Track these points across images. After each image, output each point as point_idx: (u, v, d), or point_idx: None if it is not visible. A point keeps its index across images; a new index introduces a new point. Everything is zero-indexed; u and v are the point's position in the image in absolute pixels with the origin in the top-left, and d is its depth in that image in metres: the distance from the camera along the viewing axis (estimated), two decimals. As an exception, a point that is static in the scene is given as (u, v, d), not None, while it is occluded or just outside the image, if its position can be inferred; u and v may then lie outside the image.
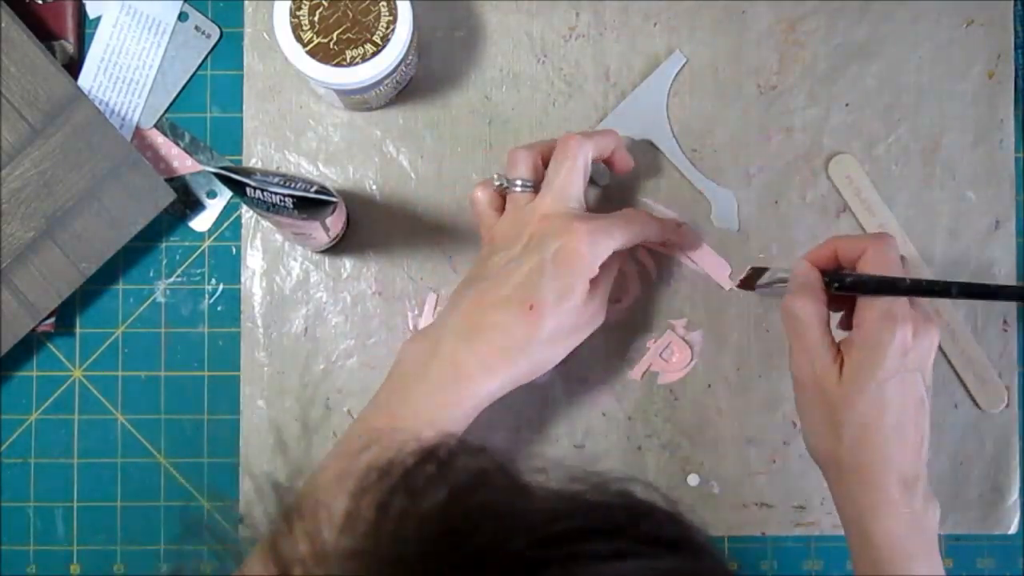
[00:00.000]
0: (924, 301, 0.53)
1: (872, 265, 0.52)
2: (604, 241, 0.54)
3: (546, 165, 0.56)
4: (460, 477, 0.31)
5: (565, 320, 0.53)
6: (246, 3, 0.62)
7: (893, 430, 0.51)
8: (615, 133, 0.58)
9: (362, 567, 0.28)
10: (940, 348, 0.63)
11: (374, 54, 0.55)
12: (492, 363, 0.52)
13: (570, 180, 0.55)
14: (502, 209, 0.58)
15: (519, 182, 0.56)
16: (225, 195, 0.63)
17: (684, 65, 0.63)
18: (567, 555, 0.28)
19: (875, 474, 0.51)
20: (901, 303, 0.51)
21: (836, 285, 0.53)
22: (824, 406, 0.52)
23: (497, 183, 0.57)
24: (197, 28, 0.63)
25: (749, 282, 0.61)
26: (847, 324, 0.54)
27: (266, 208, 0.51)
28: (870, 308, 0.51)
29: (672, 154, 0.63)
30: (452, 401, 0.52)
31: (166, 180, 0.61)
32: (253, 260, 0.62)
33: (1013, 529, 0.63)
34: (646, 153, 0.63)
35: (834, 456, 0.52)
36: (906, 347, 0.51)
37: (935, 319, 0.52)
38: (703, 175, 0.62)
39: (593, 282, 0.54)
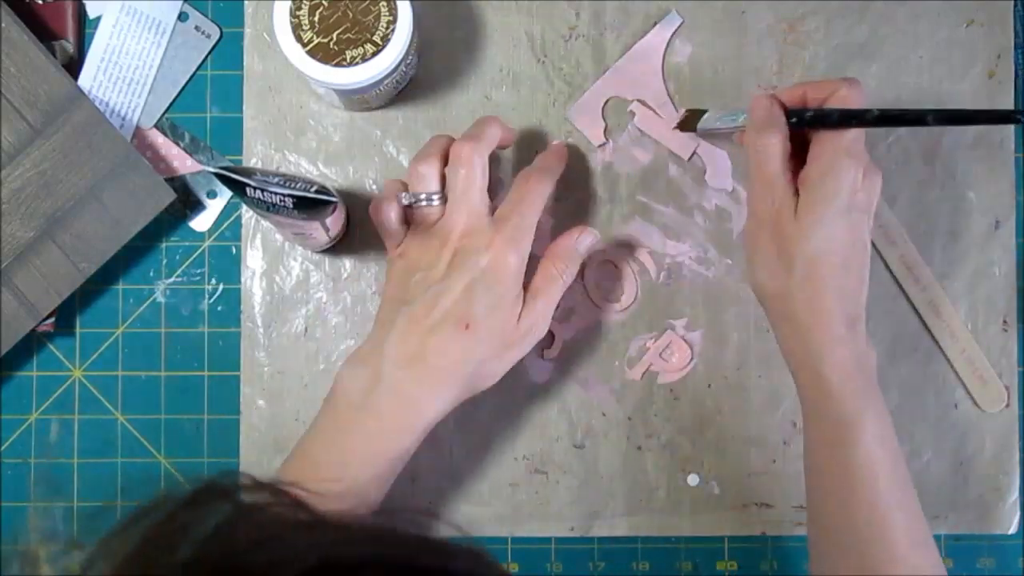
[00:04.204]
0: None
1: (842, 103, 0.53)
2: (525, 237, 0.55)
3: (446, 164, 0.56)
4: (215, 522, 0.29)
5: (500, 333, 0.54)
6: (246, 3, 0.62)
7: (841, 266, 0.52)
8: (496, 120, 0.58)
9: None
10: (940, 348, 0.63)
11: (374, 54, 0.55)
12: (436, 387, 0.53)
13: (473, 188, 0.55)
14: (407, 221, 0.58)
15: (426, 196, 0.56)
16: (225, 195, 0.63)
17: (680, 25, 0.62)
18: None
19: (824, 308, 0.53)
20: (859, 142, 0.53)
21: (795, 120, 0.54)
22: (778, 240, 0.53)
23: (407, 201, 0.57)
24: (197, 28, 0.63)
25: (688, 124, 0.61)
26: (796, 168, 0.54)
27: (266, 208, 0.51)
28: (827, 143, 0.53)
29: (667, 115, 0.62)
30: (401, 427, 0.53)
31: (166, 180, 0.61)
32: (253, 260, 0.62)
33: (1013, 529, 0.63)
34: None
35: (784, 291, 0.54)
36: (857, 186, 0.52)
37: (879, 169, 0.54)
38: (698, 135, 0.62)
39: (531, 293, 0.55)
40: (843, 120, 0.52)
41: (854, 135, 0.52)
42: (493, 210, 0.56)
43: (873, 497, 0.52)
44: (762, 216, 0.54)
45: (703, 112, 0.60)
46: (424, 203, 0.56)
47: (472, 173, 0.55)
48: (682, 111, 0.62)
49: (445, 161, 0.56)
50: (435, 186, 0.56)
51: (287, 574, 0.26)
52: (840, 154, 0.52)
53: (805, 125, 0.53)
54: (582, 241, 0.58)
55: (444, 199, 0.56)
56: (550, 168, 0.58)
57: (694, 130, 0.61)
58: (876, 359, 0.54)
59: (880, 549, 0.52)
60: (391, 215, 0.57)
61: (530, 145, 0.63)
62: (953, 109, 0.53)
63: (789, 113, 0.54)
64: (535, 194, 0.56)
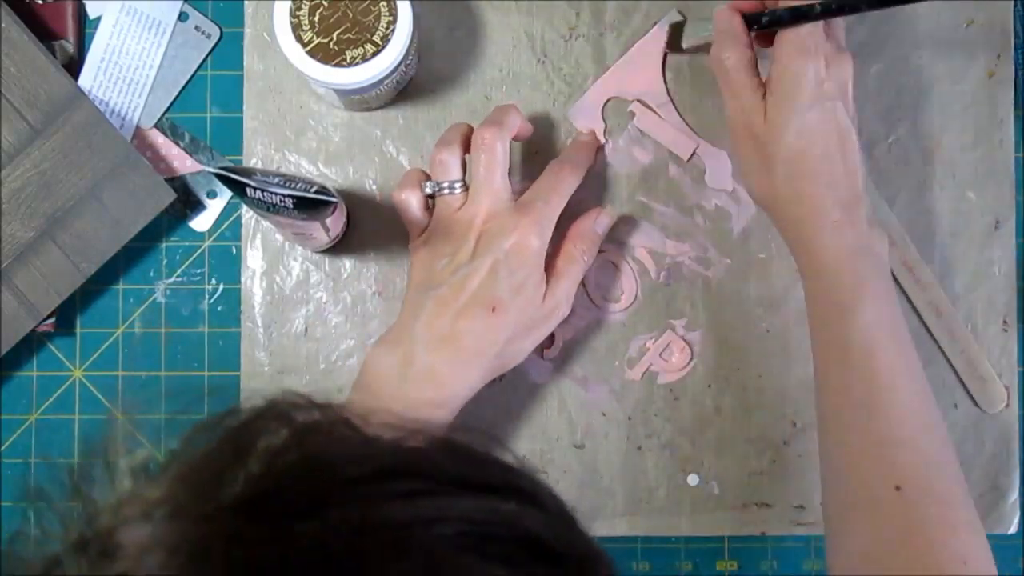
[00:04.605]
0: (839, 35, 0.55)
1: (792, 1, 0.53)
2: (549, 223, 0.56)
3: (465, 152, 0.57)
4: (290, 431, 0.30)
5: (525, 314, 0.55)
6: (246, 3, 0.62)
7: (821, 158, 0.53)
8: (515, 108, 0.58)
9: (166, 518, 0.28)
10: (940, 348, 0.63)
11: (374, 54, 0.55)
12: (466, 368, 0.54)
13: (495, 173, 0.56)
14: (428, 208, 0.58)
15: (448, 185, 0.56)
16: (225, 195, 0.63)
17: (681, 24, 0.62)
18: (358, 496, 0.27)
19: (813, 200, 0.53)
20: (813, 36, 0.53)
21: (755, 26, 0.55)
22: (756, 146, 0.55)
23: (430, 191, 0.57)
24: (197, 28, 0.63)
25: (675, 43, 0.62)
26: None
27: (266, 208, 0.51)
28: (784, 44, 0.54)
29: (667, 115, 0.62)
30: (433, 409, 0.54)
31: (166, 180, 0.61)
32: (253, 260, 0.62)
33: (1013, 529, 0.63)
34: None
35: (772, 193, 0.55)
36: (820, 77, 0.53)
37: (848, 52, 0.54)
38: (698, 136, 0.62)
39: (554, 275, 0.56)
40: (793, 18, 0.53)
41: (806, 31, 0.53)
42: (515, 196, 0.56)
43: (870, 375, 0.52)
44: (736, 126, 0.56)
45: (682, 24, 0.61)
46: (447, 192, 0.57)
47: (494, 159, 0.55)
48: (666, 27, 0.62)
49: (465, 149, 0.57)
50: (457, 174, 0.57)
51: (343, 482, 0.27)
52: (793, 52, 0.53)
53: (765, 29, 0.55)
54: (600, 222, 0.59)
55: (465, 187, 0.57)
56: (580, 162, 0.60)
57: (681, 50, 0.61)
58: (887, 241, 0.54)
59: (883, 427, 0.51)
60: (413, 203, 0.57)
61: (532, 144, 0.62)
62: None
63: (749, 21, 0.55)
64: (565, 185, 0.57)
